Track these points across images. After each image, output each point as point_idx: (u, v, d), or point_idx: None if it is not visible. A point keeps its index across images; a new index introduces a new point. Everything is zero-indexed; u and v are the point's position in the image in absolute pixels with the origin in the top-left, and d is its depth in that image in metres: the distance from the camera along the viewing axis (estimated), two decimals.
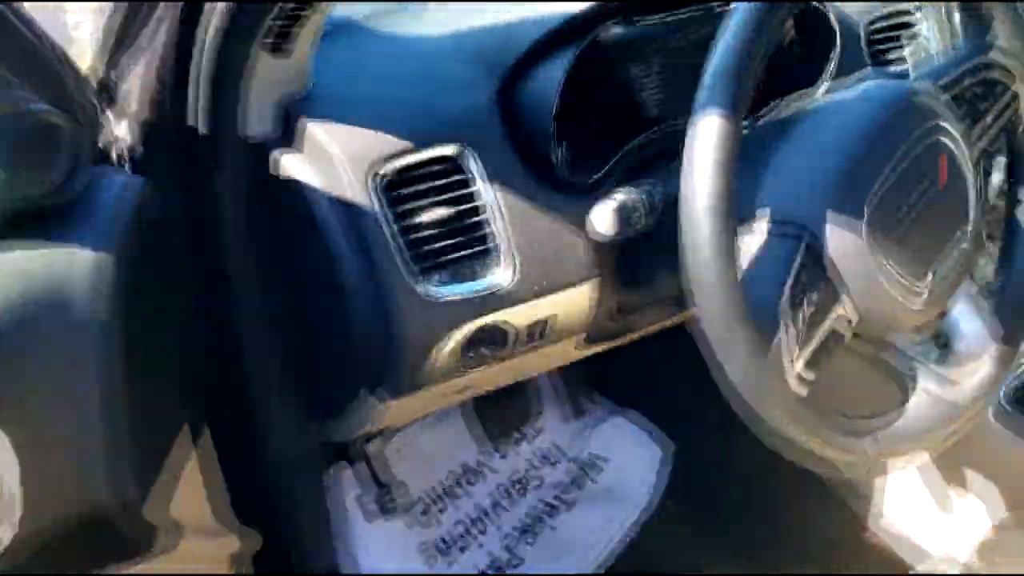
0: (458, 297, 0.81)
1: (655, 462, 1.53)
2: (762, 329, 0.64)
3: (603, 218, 0.76)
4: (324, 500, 1.13)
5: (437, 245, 0.80)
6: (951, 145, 0.74)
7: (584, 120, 0.91)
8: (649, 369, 1.49)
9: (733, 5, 0.66)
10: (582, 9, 0.83)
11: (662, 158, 0.91)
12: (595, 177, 0.88)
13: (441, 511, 1.41)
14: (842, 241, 0.67)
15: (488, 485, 1.49)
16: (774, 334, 0.65)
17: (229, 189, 0.82)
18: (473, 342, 0.86)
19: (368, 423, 0.96)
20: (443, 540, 1.41)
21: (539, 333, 0.90)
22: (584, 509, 1.49)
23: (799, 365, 0.66)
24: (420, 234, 0.80)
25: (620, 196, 0.77)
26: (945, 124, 0.73)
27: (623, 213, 0.75)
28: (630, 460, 1.54)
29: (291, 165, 0.81)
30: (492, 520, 1.46)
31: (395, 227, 0.79)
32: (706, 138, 0.61)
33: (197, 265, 0.82)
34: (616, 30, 0.87)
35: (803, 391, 0.66)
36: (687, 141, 0.63)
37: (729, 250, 0.61)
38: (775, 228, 0.69)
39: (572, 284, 0.87)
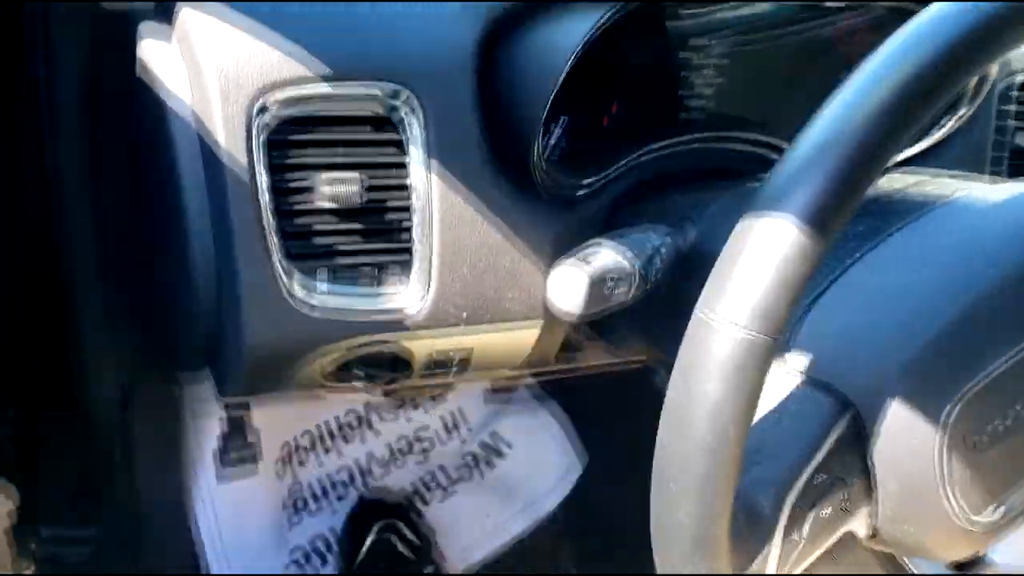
0: (340, 309, 0.56)
1: (564, 472, 1.32)
2: (752, 529, 0.42)
3: (567, 292, 0.50)
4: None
5: (329, 230, 0.54)
6: None
7: (589, 104, 0.64)
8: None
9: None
10: None
11: (685, 181, 0.65)
12: (584, 188, 0.61)
13: (301, 464, 1.20)
14: (903, 437, 0.44)
15: (365, 444, 1.27)
16: (765, 537, 0.43)
17: (66, 70, 0.55)
18: (354, 362, 0.61)
19: (217, 399, 0.72)
20: (295, 499, 1.20)
21: (451, 364, 0.65)
22: (466, 496, 1.29)
23: None
24: (307, 209, 0.54)
25: (598, 261, 0.51)
26: None
27: (597, 290, 0.50)
28: (537, 459, 1.32)
29: (152, 54, 0.53)
30: (356, 486, 1.24)
31: (271, 193, 0.52)
32: (757, 273, 0.35)
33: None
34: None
35: None
36: (726, 254, 0.36)
37: (736, 459, 0.37)
38: (814, 384, 0.45)
39: (508, 323, 0.62)
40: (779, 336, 0.36)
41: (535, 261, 0.60)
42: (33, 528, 0.86)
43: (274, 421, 1.15)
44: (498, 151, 0.57)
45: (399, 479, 1.26)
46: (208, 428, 1.04)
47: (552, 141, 0.62)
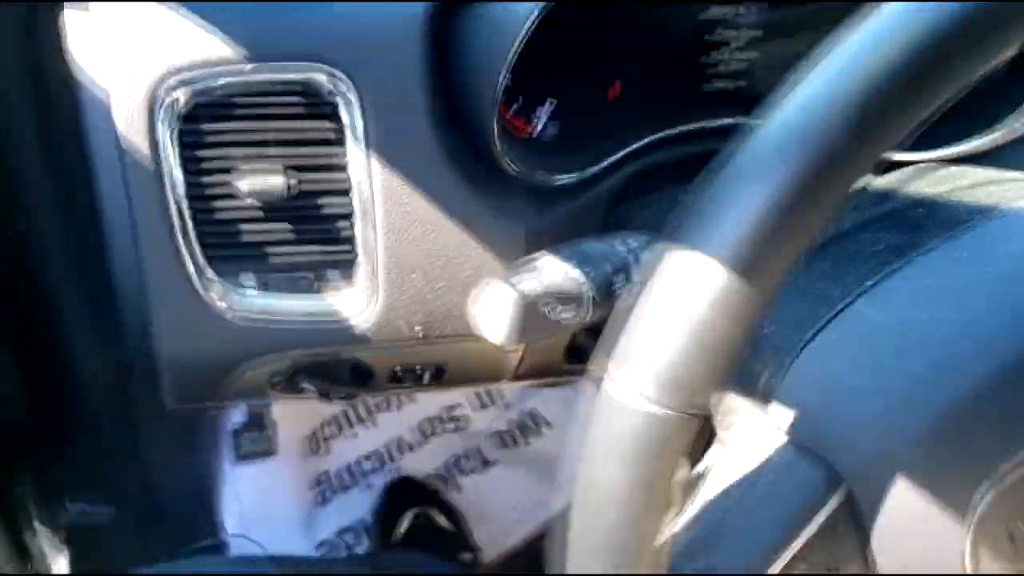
0: (269, 317, 0.49)
1: None
2: None
3: (491, 317, 0.41)
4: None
5: (253, 231, 0.47)
6: None
7: (588, 82, 0.54)
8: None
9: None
10: None
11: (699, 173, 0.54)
12: (567, 180, 0.52)
13: (330, 439, 1.15)
14: (916, 524, 0.34)
15: (400, 416, 1.22)
16: None
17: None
18: (303, 372, 0.55)
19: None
20: (326, 476, 1.16)
21: (420, 377, 0.58)
22: (501, 475, 1.23)
23: None
24: (227, 208, 0.47)
25: (533, 281, 0.41)
26: None
27: (529, 314, 0.40)
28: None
29: (70, 35, 0.47)
30: (387, 462, 1.20)
31: (185, 191, 0.46)
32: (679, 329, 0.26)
33: None
34: None
35: None
36: (633, 296, 0.28)
37: (643, 555, 0.29)
38: (797, 450, 0.36)
39: (475, 336, 0.54)
40: (696, 413, 0.27)
41: (505, 266, 0.51)
42: (53, 513, 0.85)
43: (298, 407, 1.11)
44: (456, 140, 0.49)
45: (430, 460, 1.21)
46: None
47: (540, 127, 0.53)
